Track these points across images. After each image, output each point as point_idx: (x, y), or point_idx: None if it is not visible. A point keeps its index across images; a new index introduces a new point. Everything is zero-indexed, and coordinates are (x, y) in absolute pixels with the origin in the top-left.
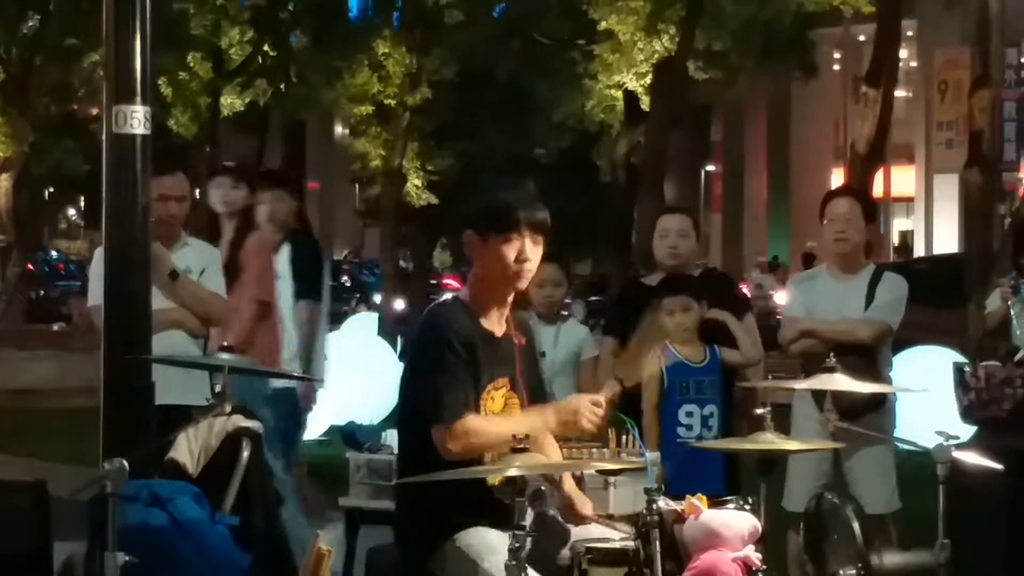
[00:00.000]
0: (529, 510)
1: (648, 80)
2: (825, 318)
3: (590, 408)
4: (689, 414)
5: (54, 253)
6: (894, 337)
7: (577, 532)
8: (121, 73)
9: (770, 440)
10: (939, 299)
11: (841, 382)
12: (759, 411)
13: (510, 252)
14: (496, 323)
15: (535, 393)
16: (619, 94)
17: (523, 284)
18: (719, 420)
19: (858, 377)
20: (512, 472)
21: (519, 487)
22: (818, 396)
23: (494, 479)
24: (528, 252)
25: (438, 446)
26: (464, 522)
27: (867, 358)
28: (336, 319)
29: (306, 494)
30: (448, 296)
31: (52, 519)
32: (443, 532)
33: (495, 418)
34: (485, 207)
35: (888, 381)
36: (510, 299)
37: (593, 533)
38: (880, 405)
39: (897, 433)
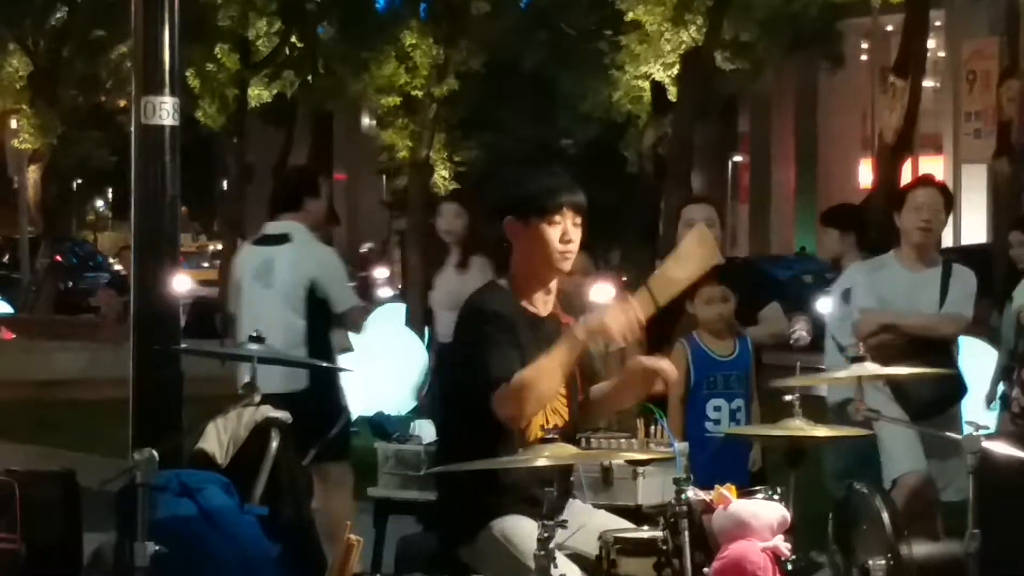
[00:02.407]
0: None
1: (675, 71)
2: (903, 312)
3: (621, 315)
4: (717, 408)
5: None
6: None
7: (604, 523)
8: (149, 64)
9: (799, 427)
10: None
11: (871, 369)
12: (788, 398)
13: (554, 234)
14: (541, 305)
15: (585, 372)
16: (646, 85)
17: (567, 266)
18: (746, 413)
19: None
20: (540, 462)
21: (548, 477)
22: (894, 389)
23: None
24: (571, 233)
25: (500, 411)
26: (500, 509)
27: (945, 353)
28: None
29: None
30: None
31: (82, 509)
32: (479, 519)
33: (531, 367)
34: (526, 190)
35: (959, 372)
36: (554, 283)
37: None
38: (957, 399)
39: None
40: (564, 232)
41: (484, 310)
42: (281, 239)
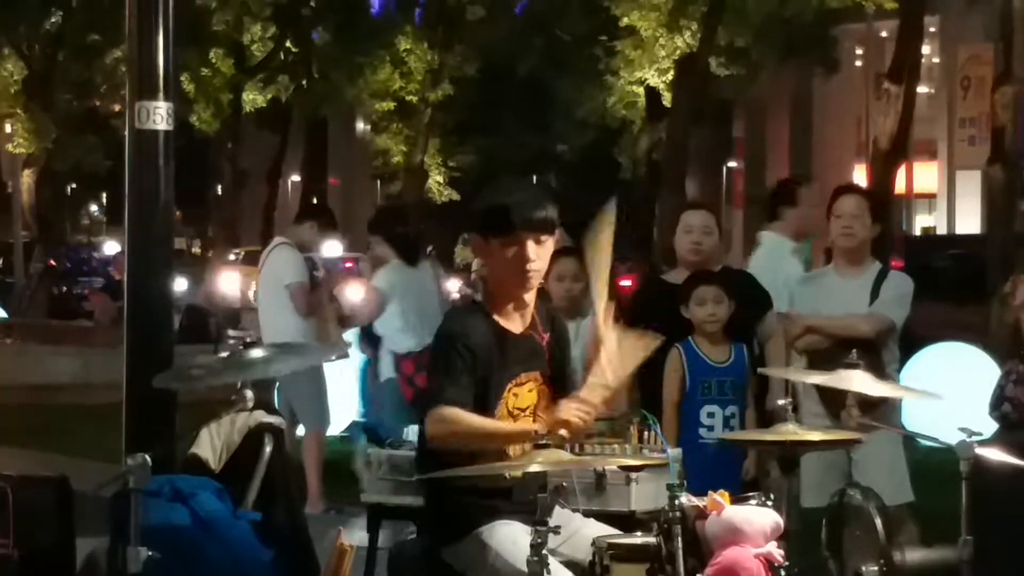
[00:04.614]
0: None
1: (670, 76)
2: (829, 315)
3: (576, 409)
4: (711, 415)
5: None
6: (911, 334)
7: (596, 532)
8: (144, 69)
9: (792, 432)
10: (960, 295)
11: (862, 379)
12: (781, 402)
13: (511, 254)
14: (516, 321)
15: (566, 385)
16: (641, 90)
17: (532, 285)
18: (740, 421)
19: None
20: (533, 468)
21: (541, 482)
22: (824, 393)
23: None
24: (530, 254)
25: (427, 428)
26: (489, 514)
27: (870, 354)
28: None
29: None
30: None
31: (75, 514)
32: (467, 523)
33: (480, 417)
34: (485, 209)
35: (894, 378)
36: (529, 297)
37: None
38: (884, 399)
39: (918, 429)
40: (522, 254)
41: (452, 332)
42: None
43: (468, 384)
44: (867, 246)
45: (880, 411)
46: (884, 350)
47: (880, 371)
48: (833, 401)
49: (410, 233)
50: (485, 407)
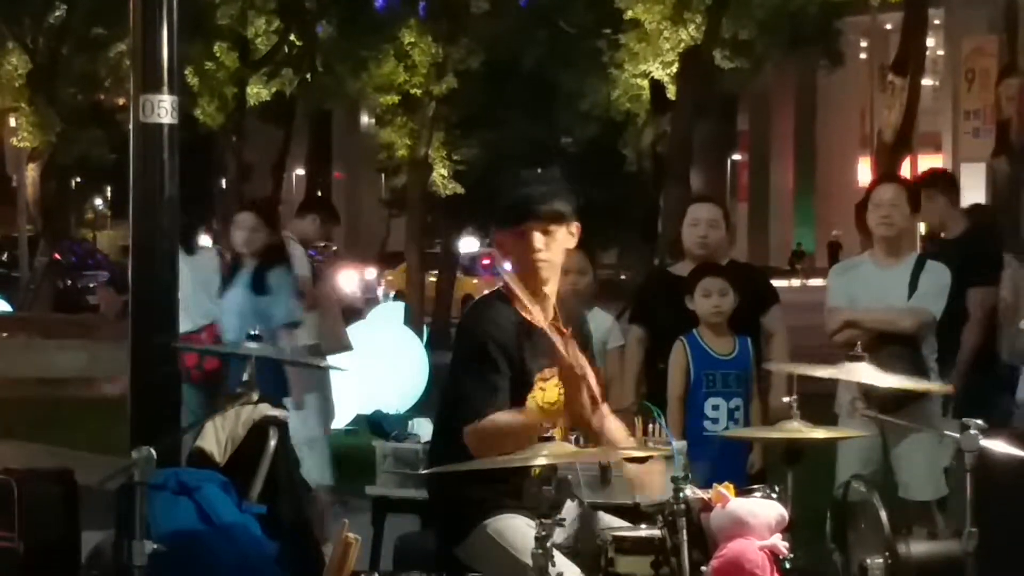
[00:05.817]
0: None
1: (674, 69)
2: (868, 308)
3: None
4: (715, 407)
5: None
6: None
7: (604, 521)
8: (148, 62)
9: (797, 428)
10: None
11: (865, 371)
12: (786, 399)
13: (522, 245)
14: (538, 315)
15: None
16: (645, 83)
17: (544, 275)
18: (745, 413)
19: (902, 366)
20: (539, 461)
21: (546, 476)
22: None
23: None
24: (537, 243)
25: (466, 443)
26: (495, 508)
27: (911, 347)
28: None
29: None
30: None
31: (80, 508)
32: (473, 518)
33: (503, 415)
34: (497, 203)
35: (933, 368)
36: (548, 289)
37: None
38: (922, 395)
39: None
40: (530, 244)
41: (479, 334)
42: None
43: (498, 385)
44: (904, 236)
45: (917, 405)
46: (924, 344)
47: (920, 364)
48: (869, 391)
49: (190, 223)
50: (517, 402)
